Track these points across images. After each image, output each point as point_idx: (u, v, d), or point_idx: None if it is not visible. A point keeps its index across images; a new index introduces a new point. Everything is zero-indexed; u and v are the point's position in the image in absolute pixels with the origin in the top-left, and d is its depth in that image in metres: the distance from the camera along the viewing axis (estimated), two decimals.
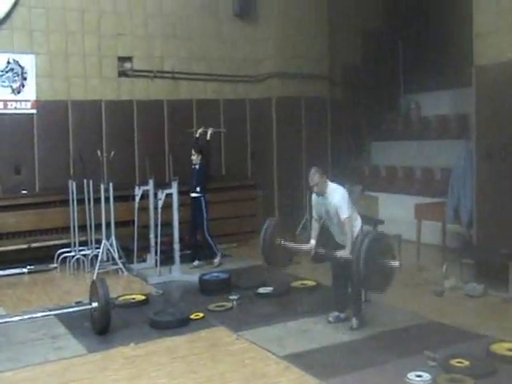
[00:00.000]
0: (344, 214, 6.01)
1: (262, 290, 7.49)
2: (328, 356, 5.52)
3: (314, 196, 6.36)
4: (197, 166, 9.31)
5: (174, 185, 8.71)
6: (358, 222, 6.28)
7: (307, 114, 12.05)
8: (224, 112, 11.66)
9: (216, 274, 8.14)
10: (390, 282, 5.68)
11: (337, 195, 6.10)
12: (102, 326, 6.16)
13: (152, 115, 10.97)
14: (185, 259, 9.11)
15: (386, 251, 5.67)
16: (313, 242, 6.35)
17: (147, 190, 9.35)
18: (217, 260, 9.33)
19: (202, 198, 9.24)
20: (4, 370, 5.38)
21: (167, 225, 8.84)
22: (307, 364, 5.26)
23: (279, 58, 11.82)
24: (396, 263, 5.57)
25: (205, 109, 11.41)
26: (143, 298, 7.48)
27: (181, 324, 6.44)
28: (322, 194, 6.17)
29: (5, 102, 9.83)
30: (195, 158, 9.29)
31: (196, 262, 9.28)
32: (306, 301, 7.19)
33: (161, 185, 9.26)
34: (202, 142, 9.59)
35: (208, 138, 9.56)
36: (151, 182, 9.31)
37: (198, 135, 9.67)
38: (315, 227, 6.39)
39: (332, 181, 6.25)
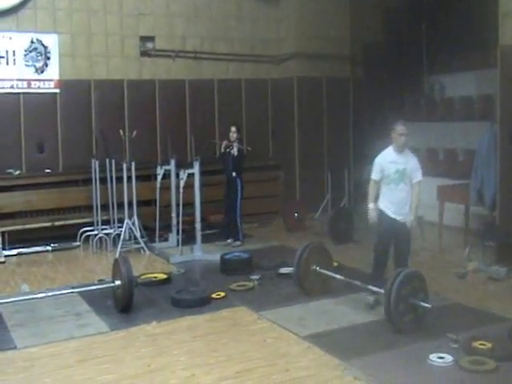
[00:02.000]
0: (420, 176, 6.21)
1: (283, 271, 7.50)
2: (349, 337, 5.53)
3: (387, 154, 6.30)
4: (235, 153, 9.29)
5: (196, 164, 8.73)
6: None
7: (329, 94, 11.96)
8: (245, 92, 11.63)
9: (238, 254, 8.16)
10: (422, 322, 5.56)
11: (415, 157, 6.30)
12: (125, 303, 6.23)
13: (174, 95, 10.98)
14: (207, 239, 9.18)
15: (418, 290, 5.56)
16: (372, 205, 6.33)
17: (169, 170, 9.38)
18: (237, 243, 9.36)
19: (238, 180, 9.31)
20: (29, 346, 5.48)
21: (189, 204, 8.88)
22: (328, 344, 5.26)
23: (300, 38, 11.71)
24: (427, 305, 5.48)
25: (226, 88, 11.39)
26: (165, 276, 7.53)
27: (202, 303, 6.48)
28: (402, 150, 6.22)
29: (28, 81, 9.90)
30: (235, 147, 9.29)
31: (230, 240, 9.38)
32: (328, 281, 7.17)
33: (183, 164, 9.29)
34: (230, 156, 9.37)
35: (235, 154, 9.32)
36: (173, 161, 9.34)
37: (223, 150, 9.43)
38: (374, 190, 6.35)
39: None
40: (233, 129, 9.39)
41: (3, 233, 9.11)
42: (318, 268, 6.65)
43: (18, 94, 9.85)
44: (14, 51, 9.80)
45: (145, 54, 10.83)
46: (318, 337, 5.48)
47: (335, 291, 6.71)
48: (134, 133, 9.49)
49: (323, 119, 11.94)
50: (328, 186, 10.90)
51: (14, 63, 9.81)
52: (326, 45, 11.78)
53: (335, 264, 7.30)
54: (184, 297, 6.61)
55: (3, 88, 9.74)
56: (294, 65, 11.78)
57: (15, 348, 5.47)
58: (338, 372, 4.74)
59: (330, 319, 5.99)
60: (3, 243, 9.04)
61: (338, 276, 6.65)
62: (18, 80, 9.82)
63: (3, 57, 9.72)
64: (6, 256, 8.86)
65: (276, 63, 11.91)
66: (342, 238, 9.30)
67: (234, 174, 9.29)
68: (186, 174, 8.69)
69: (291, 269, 7.07)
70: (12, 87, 9.79)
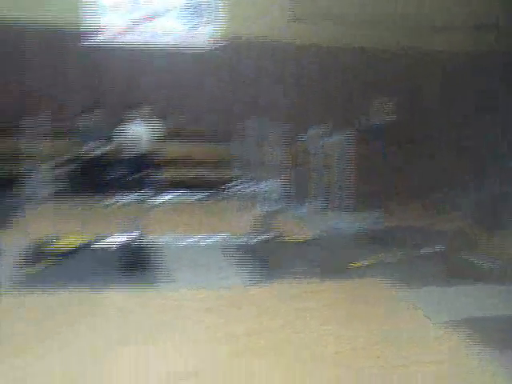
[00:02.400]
0: None
1: (425, 251, 7.21)
2: (500, 328, 5.09)
3: None
4: (379, 122, 9.11)
5: (339, 132, 8.61)
6: None
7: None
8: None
9: (378, 227, 7.97)
10: None
11: None
12: (263, 260, 6.27)
13: (322, 62, 10.81)
14: (348, 207, 9.03)
15: None
16: None
17: (315, 135, 9.30)
18: (379, 216, 9.13)
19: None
20: (171, 289, 5.66)
21: (333, 172, 8.79)
22: (473, 333, 4.85)
23: None
24: None
25: (375, 59, 11.05)
26: (303, 240, 7.52)
27: (337, 271, 6.35)
28: None
29: (183, 38, 10.14)
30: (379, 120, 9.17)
31: (367, 213, 9.23)
32: (474, 267, 6.76)
33: (330, 131, 9.17)
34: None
35: (378, 126, 9.27)
36: (319, 127, 9.24)
37: (366, 121, 9.40)
38: None
39: None
40: (379, 101, 9.15)
41: (160, 179, 9.56)
42: (464, 253, 6.31)
43: (176, 49, 10.13)
44: (172, 7, 10.04)
45: (297, 18, 10.67)
46: (459, 323, 5.09)
47: (481, 278, 6.27)
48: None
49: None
50: (472, 168, 10.30)
51: (172, 19, 10.06)
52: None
53: (483, 251, 6.90)
54: (320, 263, 6.53)
55: (161, 44, 10.06)
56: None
57: (158, 287, 5.68)
58: (476, 362, 4.37)
59: (477, 306, 5.59)
60: (159, 188, 9.49)
61: (487, 263, 6.27)
62: (175, 35, 10.08)
63: (164, 12, 10.00)
64: (158, 202, 9.27)
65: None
66: (491, 224, 8.76)
67: (376, 145, 9.05)
68: (332, 141, 8.59)
69: (434, 249, 6.79)
70: (170, 43, 10.08)
